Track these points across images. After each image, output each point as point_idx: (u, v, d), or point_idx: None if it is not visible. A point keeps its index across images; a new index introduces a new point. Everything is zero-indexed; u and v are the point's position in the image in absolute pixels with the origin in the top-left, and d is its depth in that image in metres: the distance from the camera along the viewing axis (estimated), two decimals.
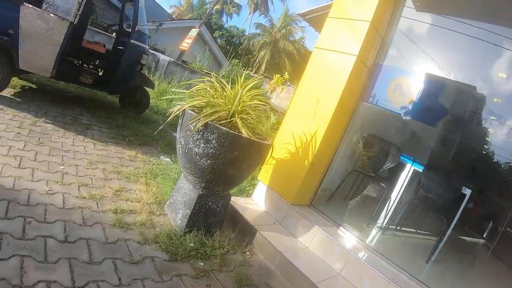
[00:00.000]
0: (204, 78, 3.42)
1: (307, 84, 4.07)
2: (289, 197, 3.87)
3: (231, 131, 2.85)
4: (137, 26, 6.20)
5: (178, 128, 3.17)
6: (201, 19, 22.14)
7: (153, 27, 7.32)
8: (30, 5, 4.65)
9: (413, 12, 4.36)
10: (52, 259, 2.19)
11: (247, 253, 3.26)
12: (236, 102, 3.09)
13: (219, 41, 37.40)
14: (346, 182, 4.97)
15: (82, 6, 5.10)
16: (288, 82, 19.25)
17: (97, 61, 6.61)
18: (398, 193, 4.84)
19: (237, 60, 25.96)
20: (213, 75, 3.38)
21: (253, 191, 4.37)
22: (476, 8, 4.20)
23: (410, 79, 5.16)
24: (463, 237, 6.24)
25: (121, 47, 6.59)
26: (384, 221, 4.65)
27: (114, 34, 7.87)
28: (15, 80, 6.03)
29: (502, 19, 4.13)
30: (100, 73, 6.87)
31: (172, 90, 8.73)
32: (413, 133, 5.80)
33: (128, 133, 5.54)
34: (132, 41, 6.18)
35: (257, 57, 39.20)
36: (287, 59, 38.06)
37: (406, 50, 4.74)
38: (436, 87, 5.50)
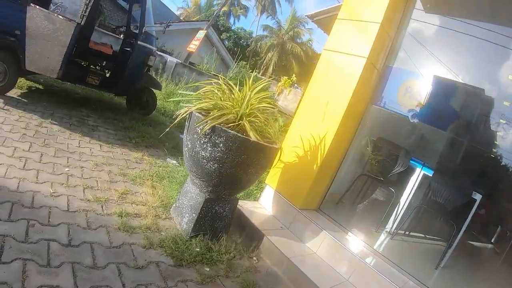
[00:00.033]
0: (211, 80, 3.37)
1: (316, 86, 4.01)
2: (297, 202, 3.81)
3: (239, 135, 2.80)
4: (144, 28, 6.18)
5: (185, 131, 3.13)
6: (208, 20, 22.25)
7: (160, 28, 7.29)
8: (36, 6, 4.64)
9: (422, 14, 4.31)
10: (55, 263, 2.15)
11: (254, 258, 3.20)
12: (244, 105, 3.03)
13: (227, 43, 37.41)
14: (354, 186, 4.91)
15: (89, 8, 5.08)
16: (296, 84, 19.21)
17: (104, 62, 6.61)
18: (408, 198, 4.77)
19: (244, 62, 25.91)
20: (221, 77, 3.33)
21: (260, 194, 4.31)
22: (485, 9, 4.14)
23: (420, 82, 5.10)
24: (471, 242, 6.15)
25: (128, 49, 6.57)
26: (393, 226, 4.59)
27: (121, 36, 7.86)
28: (22, 81, 6.04)
29: None
30: (107, 75, 6.85)
31: (179, 92, 8.69)
32: (423, 137, 5.72)
33: (134, 134, 5.50)
34: (139, 42, 6.16)
35: (264, 59, 39.22)
36: (294, 61, 38.05)
37: (416, 53, 4.68)
38: (446, 90, 5.43)
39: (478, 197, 4.20)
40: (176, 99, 8.62)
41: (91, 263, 2.28)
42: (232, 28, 43.22)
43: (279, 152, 3.23)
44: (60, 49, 4.97)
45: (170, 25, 6.95)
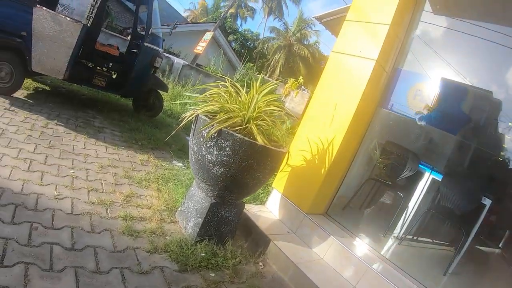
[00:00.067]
0: (218, 82, 3.32)
1: (324, 89, 3.96)
2: (304, 206, 3.75)
3: (246, 138, 2.74)
4: (150, 29, 6.17)
5: (191, 134, 3.08)
6: (215, 22, 22.24)
7: (167, 30, 7.28)
8: (43, 7, 4.64)
9: (431, 16, 4.24)
10: (58, 268, 2.11)
11: (260, 263, 3.14)
12: (252, 108, 2.98)
13: (234, 44, 37.51)
14: (362, 190, 4.84)
15: (96, 9, 5.06)
16: (303, 86, 19.16)
17: (111, 64, 6.59)
18: (416, 202, 4.71)
19: (251, 64, 25.96)
20: (228, 80, 3.28)
21: (267, 198, 4.26)
22: (495, 11, 4.06)
23: (430, 85, 5.02)
24: (478, 247, 6.06)
25: (135, 50, 6.56)
26: (400, 231, 4.53)
27: (128, 37, 7.87)
28: (28, 82, 6.04)
29: None
30: (114, 76, 6.85)
31: (185, 94, 8.67)
32: (433, 141, 5.65)
33: (140, 136, 5.48)
34: (145, 44, 6.15)
35: (271, 61, 39.28)
36: (301, 63, 38.05)
37: (425, 55, 4.61)
38: (455, 93, 5.35)
39: (487, 202, 4.12)
40: (183, 101, 8.60)
41: (94, 267, 2.24)
42: (239, 30, 43.35)
43: (286, 156, 3.18)
44: (66, 50, 4.96)
45: (176, 26, 6.91)
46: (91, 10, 4.98)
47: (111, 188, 3.47)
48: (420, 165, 4.84)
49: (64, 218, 2.66)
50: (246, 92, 3.16)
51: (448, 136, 5.53)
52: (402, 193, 4.63)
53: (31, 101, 5.20)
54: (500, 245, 6.30)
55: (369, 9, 3.82)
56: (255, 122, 2.95)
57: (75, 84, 6.48)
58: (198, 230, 2.99)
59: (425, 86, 5.02)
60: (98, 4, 5.10)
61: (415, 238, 4.77)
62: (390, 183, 4.75)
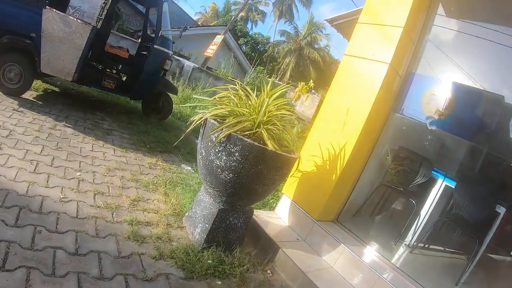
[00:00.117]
0: (228, 85, 3.26)
1: (335, 93, 3.88)
2: (314, 213, 3.67)
3: (256, 144, 2.66)
4: (160, 32, 6.15)
5: (199, 138, 3.01)
6: (226, 26, 22.28)
7: (177, 32, 7.26)
8: (53, 9, 4.63)
9: (444, 19, 4.15)
10: (60, 273, 2.06)
11: (268, 271, 3.06)
12: (262, 112, 2.90)
13: (244, 48, 37.52)
14: (373, 197, 4.74)
15: (105, 11, 5.04)
16: (313, 90, 19.07)
17: (120, 66, 6.58)
18: (428, 210, 4.60)
19: (261, 67, 25.91)
20: (238, 83, 3.21)
21: (276, 204, 4.18)
22: (507, 12, 3.95)
23: (444, 89, 4.92)
24: (492, 256, 5.93)
25: (145, 52, 6.54)
26: (412, 239, 4.43)
27: (139, 40, 7.87)
28: (37, 83, 6.05)
29: None
30: (123, 78, 6.83)
31: (194, 97, 8.65)
32: (446, 147, 5.54)
33: (149, 139, 5.43)
34: (155, 46, 6.13)
35: (281, 64, 39.22)
36: (312, 67, 37.96)
37: (439, 59, 4.51)
38: (469, 98, 5.24)
39: (502, 210, 4.01)
40: (192, 104, 8.57)
41: (98, 273, 2.18)
42: (250, 33, 43.38)
43: (297, 161, 3.10)
44: (75, 52, 4.96)
45: (186, 29, 6.88)
46: (101, 12, 4.97)
47: (118, 191, 3.42)
48: (433, 172, 4.73)
49: (68, 221, 2.61)
50: (256, 96, 3.09)
51: (461, 142, 5.42)
52: (414, 200, 4.52)
53: (40, 102, 5.18)
54: (511, 253, 6.17)
55: (382, 11, 3.73)
56: (265, 127, 2.87)
57: (85, 86, 6.47)
58: (205, 236, 2.92)
59: (439, 90, 4.92)
60: (107, 6, 5.08)
61: (426, 246, 4.65)
62: (402, 189, 4.65)
